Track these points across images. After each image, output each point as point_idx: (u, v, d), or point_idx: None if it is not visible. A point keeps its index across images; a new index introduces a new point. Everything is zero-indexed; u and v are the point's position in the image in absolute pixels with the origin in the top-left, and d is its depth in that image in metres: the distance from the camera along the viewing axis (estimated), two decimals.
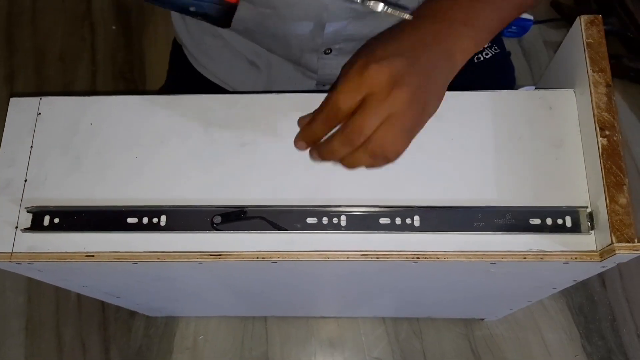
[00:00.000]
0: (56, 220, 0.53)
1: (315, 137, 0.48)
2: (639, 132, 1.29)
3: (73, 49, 1.45)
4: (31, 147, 0.57)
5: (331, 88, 0.50)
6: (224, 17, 0.45)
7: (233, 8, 0.44)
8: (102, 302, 1.16)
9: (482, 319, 1.11)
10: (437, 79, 0.47)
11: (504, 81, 0.83)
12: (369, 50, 0.46)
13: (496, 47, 0.82)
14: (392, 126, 0.44)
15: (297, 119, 0.55)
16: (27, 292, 1.19)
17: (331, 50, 0.68)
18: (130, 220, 0.53)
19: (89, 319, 1.17)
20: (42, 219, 0.53)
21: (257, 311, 1.10)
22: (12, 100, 0.59)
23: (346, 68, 0.46)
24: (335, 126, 0.47)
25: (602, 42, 0.53)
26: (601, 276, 1.16)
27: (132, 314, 1.15)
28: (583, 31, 0.54)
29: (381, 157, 0.46)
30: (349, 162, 0.48)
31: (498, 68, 0.82)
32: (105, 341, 1.15)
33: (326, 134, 0.48)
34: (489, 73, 0.80)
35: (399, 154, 0.46)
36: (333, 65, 0.71)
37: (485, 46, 0.80)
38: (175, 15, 0.81)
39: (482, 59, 0.80)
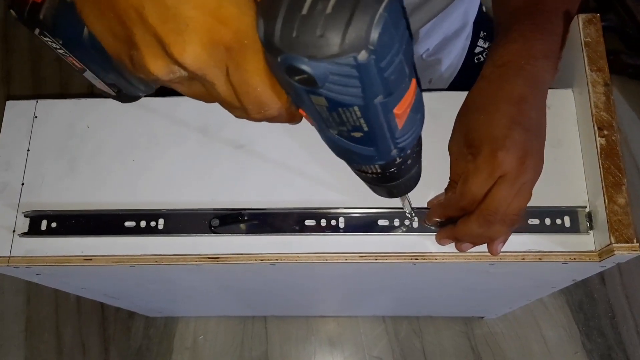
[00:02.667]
0: (53, 225, 0.53)
1: (457, 234, 0.48)
2: (638, 128, 1.29)
3: None
4: (28, 150, 0.56)
5: (452, 170, 0.50)
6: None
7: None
8: (102, 303, 1.15)
9: (482, 317, 1.11)
10: (542, 121, 0.47)
11: None
12: (484, 130, 0.45)
13: None
14: (525, 192, 0.45)
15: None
16: (26, 292, 1.19)
17: None
18: (127, 224, 0.53)
19: (88, 320, 1.17)
20: (40, 223, 0.53)
21: (256, 311, 1.10)
22: (9, 103, 0.58)
23: (465, 153, 0.46)
24: (470, 211, 0.47)
25: (600, 41, 0.53)
26: (601, 273, 1.16)
27: (132, 314, 1.15)
28: (581, 30, 0.53)
29: (517, 223, 0.46)
30: (487, 239, 0.48)
31: None
32: (104, 342, 1.15)
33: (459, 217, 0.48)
34: None
35: (522, 215, 0.47)
36: None
37: (485, 47, 0.80)
38: None
39: (482, 59, 0.79)
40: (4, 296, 1.19)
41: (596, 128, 0.50)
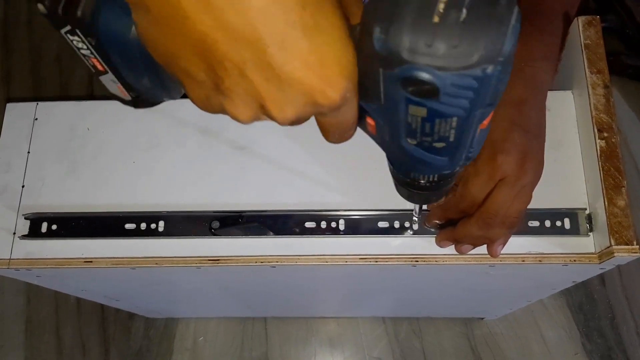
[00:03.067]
0: (54, 227, 0.53)
1: (457, 236, 0.48)
2: (638, 129, 1.29)
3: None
4: (28, 152, 0.56)
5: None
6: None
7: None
8: (102, 304, 1.15)
9: (482, 318, 1.11)
10: (542, 123, 0.47)
11: None
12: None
13: None
14: (525, 195, 0.45)
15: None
16: (26, 293, 1.19)
17: None
18: (128, 226, 0.53)
19: (88, 321, 1.17)
20: (40, 225, 0.53)
21: (256, 312, 1.10)
22: (9, 106, 0.58)
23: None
24: (470, 213, 0.47)
25: (600, 43, 0.53)
26: (601, 274, 1.15)
27: (132, 315, 1.15)
28: (581, 32, 0.53)
29: (517, 225, 0.46)
30: (487, 241, 0.48)
31: None
32: (105, 342, 1.15)
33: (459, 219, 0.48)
34: None
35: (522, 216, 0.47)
36: None
37: None
38: None
39: None
40: (4, 297, 1.19)
41: (596, 130, 0.50)
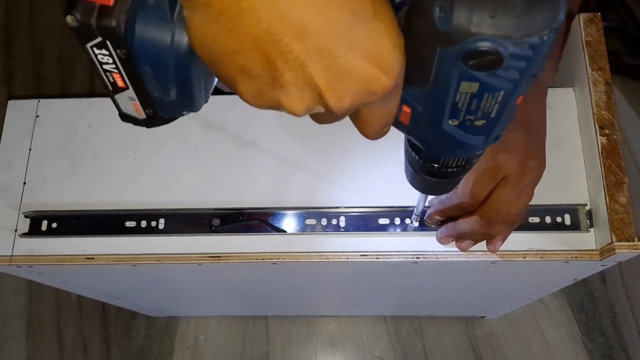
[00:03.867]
0: (54, 225, 0.53)
1: (458, 232, 0.49)
2: (639, 128, 1.29)
3: (71, 50, 1.44)
4: (30, 149, 0.56)
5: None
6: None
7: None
8: (103, 303, 1.15)
9: (483, 317, 1.11)
10: (543, 122, 0.47)
11: None
12: None
13: None
14: (527, 193, 0.45)
15: (294, 119, 0.55)
16: (27, 293, 1.19)
17: None
18: (128, 224, 0.53)
19: (89, 319, 1.17)
20: (40, 223, 0.53)
21: (257, 311, 1.10)
22: (10, 103, 0.58)
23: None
24: (471, 211, 0.47)
25: (601, 40, 0.53)
26: (601, 273, 1.16)
27: (133, 314, 1.15)
28: (582, 29, 0.53)
29: (518, 222, 0.46)
30: (488, 237, 0.48)
31: None
32: (106, 341, 1.15)
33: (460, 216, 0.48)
34: None
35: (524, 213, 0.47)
36: None
37: None
38: None
39: None
40: (6, 296, 1.19)
41: (597, 127, 0.50)
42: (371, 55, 0.24)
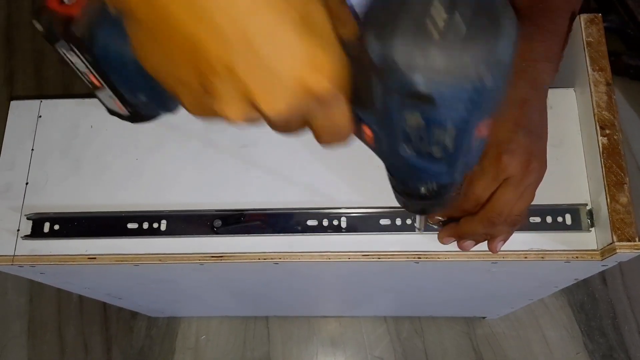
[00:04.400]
0: (56, 227, 0.53)
1: (460, 233, 0.49)
2: (639, 129, 1.29)
3: None
4: (32, 150, 0.57)
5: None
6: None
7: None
8: (104, 303, 1.16)
9: (484, 317, 1.11)
10: (544, 123, 0.48)
11: None
12: (491, 135, 0.46)
13: None
14: (529, 194, 0.45)
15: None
16: (29, 293, 1.19)
17: None
18: (130, 225, 0.53)
19: (90, 320, 1.17)
20: (42, 225, 0.53)
21: (258, 311, 1.10)
22: (13, 103, 0.59)
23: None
24: (473, 212, 0.47)
25: (602, 40, 0.53)
26: (602, 273, 1.16)
27: (134, 314, 1.15)
28: (583, 30, 0.54)
29: (519, 223, 0.47)
30: (488, 237, 0.48)
31: None
32: (107, 341, 1.15)
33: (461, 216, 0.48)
34: None
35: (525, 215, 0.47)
36: None
37: None
38: None
39: None
40: (7, 296, 1.19)
41: (598, 127, 0.50)
42: (303, 58, 0.24)
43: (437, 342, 1.11)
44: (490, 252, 0.50)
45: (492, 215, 0.45)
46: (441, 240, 0.51)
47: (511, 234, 0.49)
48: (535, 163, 0.44)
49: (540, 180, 0.46)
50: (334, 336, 1.12)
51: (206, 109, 0.26)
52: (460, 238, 0.49)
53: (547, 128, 0.48)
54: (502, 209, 0.44)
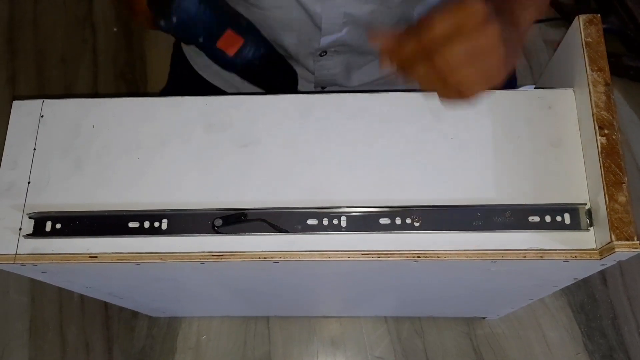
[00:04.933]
0: (58, 226, 0.53)
1: (402, 54, 0.46)
2: (639, 130, 1.29)
3: (74, 51, 1.45)
4: (34, 149, 0.57)
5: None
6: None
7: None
8: (105, 303, 1.16)
9: (484, 318, 1.12)
10: (514, 36, 0.47)
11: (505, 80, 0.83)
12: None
13: None
14: (476, 60, 0.43)
15: (296, 119, 0.56)
16: (30, 292, 1.20)
17: (326, 52, 0.70)
18: (132, 224, 0.53)
19: (92, 319, 1.17)
20: (44, 224, 0.54)
21: (259, 311, 1.10)
22: (15, 103, 0.59)
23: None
24: (421, 47, 0.44)
25: (601, 41, 0.54)
26: (602, 274, 1.16)
27: (135, 314, 1.16)
28: (582, 30, 0.54)
29: (465, 95, 0.45)
30: (423, 79, 0.46)
31: None
32: (108, 341, 1.15)
33: (408, 52, 0.45)
34: None
35: (474, 93, 0.46)
36: (329, 66, 0.73)
37: None
38: None
39: None
40: (9, 296, 1.20)
41: (597, 127, 0.51)
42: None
43: (438, 343, 1.11)
44: (489, 251, 0.50)
45: (432, 43, 0.43)
46: (381, 57, 0.48)
47: (450, 98, 0.47)
48: (496, 31, 0.42)
49: (497, 73, 0.45)
50: (335, 336, 1.13)
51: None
52: (397, 59, 0.47)
53: (520, 45, 0.50)
54: (444, 46, 0.42)
